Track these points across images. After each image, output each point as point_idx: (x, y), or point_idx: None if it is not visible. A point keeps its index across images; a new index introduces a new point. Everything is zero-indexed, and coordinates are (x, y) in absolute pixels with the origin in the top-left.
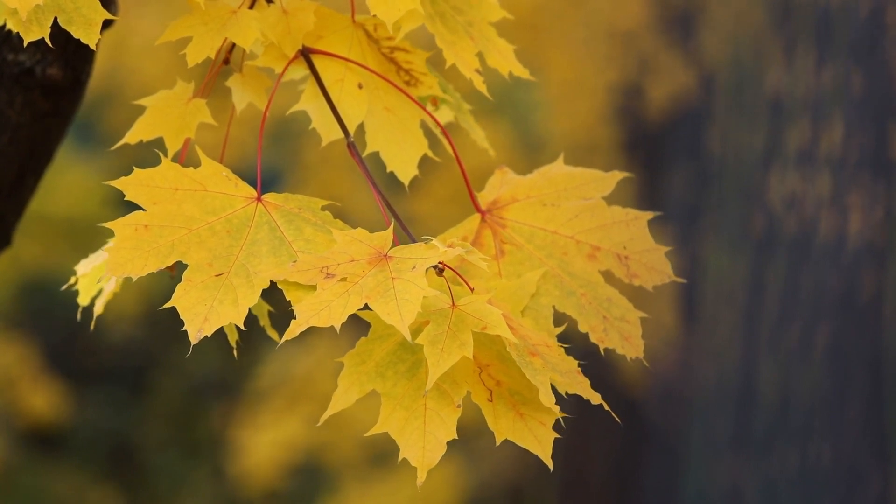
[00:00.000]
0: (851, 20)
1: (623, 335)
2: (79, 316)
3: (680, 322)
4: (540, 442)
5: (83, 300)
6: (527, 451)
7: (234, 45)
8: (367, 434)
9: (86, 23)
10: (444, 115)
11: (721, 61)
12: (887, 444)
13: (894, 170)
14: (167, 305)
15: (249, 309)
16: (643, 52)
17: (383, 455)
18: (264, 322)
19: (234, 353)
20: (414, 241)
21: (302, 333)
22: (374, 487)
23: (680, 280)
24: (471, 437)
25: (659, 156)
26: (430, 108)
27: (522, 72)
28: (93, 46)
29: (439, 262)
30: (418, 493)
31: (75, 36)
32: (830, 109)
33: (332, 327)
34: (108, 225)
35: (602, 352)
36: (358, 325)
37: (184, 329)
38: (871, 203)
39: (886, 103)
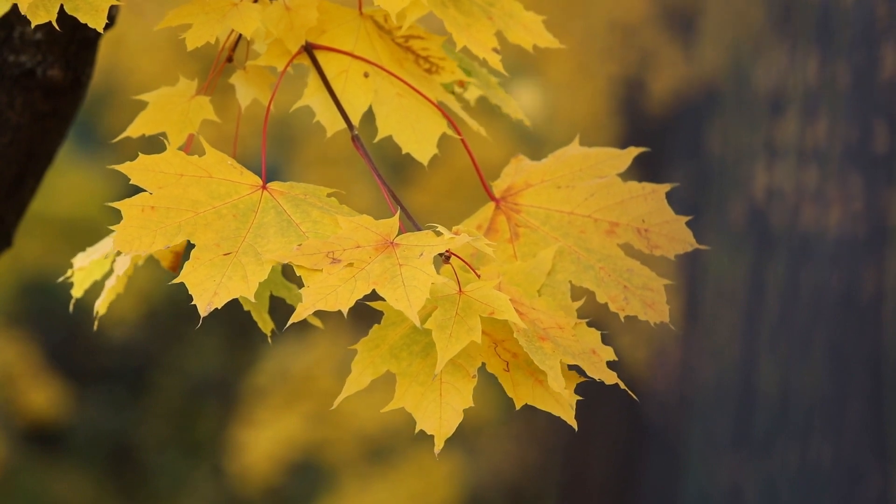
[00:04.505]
0: (854, 18)
1: (645, 302)
2: (71, 307)
3: (680, 321)
4: (561, 405)
5: (77, 292)
6: (527, 451)
7: (237, 42)
8: (383, 410)
9: (92, 9)
10: (473, 94)
11: (722, 58)
12: (887, 443)
13: (885, 166)
14: (175, 281)
15: (279, 300)
16: (644, 46)
17: (382, 452)
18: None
19: (269, 339)
20: (419, 230)
21: (302, 331)
22: (373, 485)
23: (702, 247)
24: (471, 437)
25: (659, 154)
26: (458, 90)
27: (550, 42)
28: (100, 30)
29: (446, 250)
30: (424, 483)
31: (82, 21)
32: (831, 107)
33: (332, 324)
34: (115, 204)
35: (622, 319)
36: (359, 323)
37: (192, 304)
38: (872, 203)
39: (888, 100)
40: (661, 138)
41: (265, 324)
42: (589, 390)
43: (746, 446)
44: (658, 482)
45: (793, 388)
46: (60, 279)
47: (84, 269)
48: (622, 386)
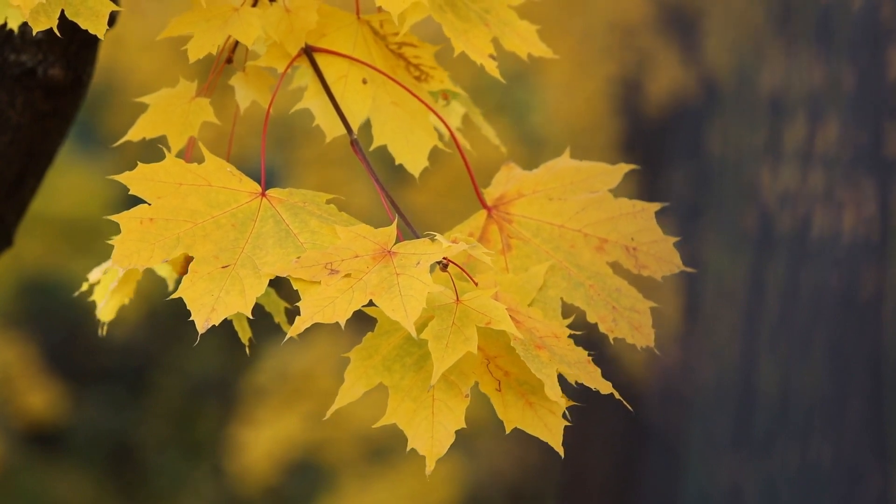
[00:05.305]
0: (858, 19)
1: (633, 325)
2: (102, 331)
3: (680, 321)
4: (549, 430)
5: (105, 316)
6: (527, 451)
7: (236, 44)
8: (374, 426)
9: (92, 14)
10: (456, 110)
11: (721, 59)
12: (887, 443)
13: (894, 169)
14: (174, 296)
15: (262, 305)
16: (643, 47)
17: (382, 452)
18: (280, 319)
19: (247, 350)
20: (418, 237)
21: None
22: (373, 484)
23: (689, 270)
24: (470, 437)
25: (658, 154)
26: (441, 102)
27: (544, 51)
28: (101, 37)
29: (443, 258)
30: (424, 482)
31: (83, 27)
32: (832, 107)
33: (333, 324)
34: (113, 218)
35: (612, 341)
36: (359, 323)
37: (189, 320)
38: (872, 202)
39: (893, 101)
40: (660, 139)
41: (244, 332)
42: (589, 390)
43: (746, 446)
44: (658, 482)
45: (793, 388)
46: (77, 293)
47: (102, 285)
48: (617, 396)
